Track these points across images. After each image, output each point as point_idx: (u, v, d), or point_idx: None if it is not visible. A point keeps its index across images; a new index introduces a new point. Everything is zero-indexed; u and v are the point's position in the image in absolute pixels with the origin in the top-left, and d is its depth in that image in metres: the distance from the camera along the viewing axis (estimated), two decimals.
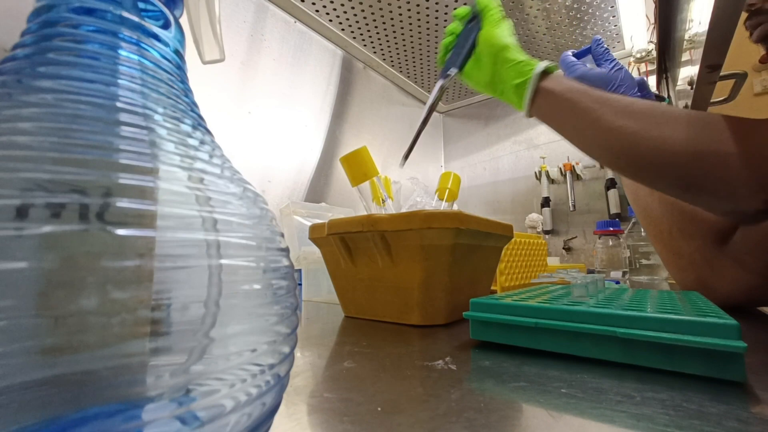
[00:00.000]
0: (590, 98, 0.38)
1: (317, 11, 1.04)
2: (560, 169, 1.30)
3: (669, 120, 0.35)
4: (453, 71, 0.45)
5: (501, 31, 0.44)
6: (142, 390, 0.10)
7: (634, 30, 1.17)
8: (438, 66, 0.47)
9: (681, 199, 0.39)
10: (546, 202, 1.34)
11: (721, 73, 0.45)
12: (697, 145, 0.33)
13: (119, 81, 0.12)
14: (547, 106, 0.41)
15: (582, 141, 0.40)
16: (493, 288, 0.62)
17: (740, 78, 0.55)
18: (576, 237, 1.30)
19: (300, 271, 0.70)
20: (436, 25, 1.08)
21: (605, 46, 0.55)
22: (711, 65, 0.42)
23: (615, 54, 1.32)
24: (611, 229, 1.04)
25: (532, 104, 0.42)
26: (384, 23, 1.09)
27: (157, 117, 0.12)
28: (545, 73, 0.41)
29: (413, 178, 0.63)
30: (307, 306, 0.59)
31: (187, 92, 0.15)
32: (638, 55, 1.20)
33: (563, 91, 0.40)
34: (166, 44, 0.14)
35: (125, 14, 0.13)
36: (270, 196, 0.94)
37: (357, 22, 1.09)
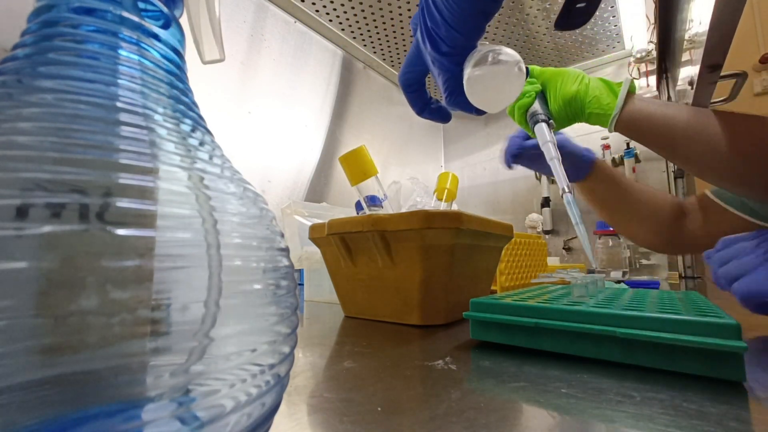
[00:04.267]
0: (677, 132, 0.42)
1: (317, 11, 1.04)
2: None
3: (711, 121, 0.40)
4: (551, 123, 0.44)
5: (564, 87, 0.45)
6: (142, 390, 0.10)
7: (634, 30, 1.17)
8: (521, 125, 0.48)
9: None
10: (546, 202, 1.34)
11: (722, 74, 0.45)
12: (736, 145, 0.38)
13: (119, 81, 0.12)
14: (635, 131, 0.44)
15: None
16: (493, 288, 0.62)
17: (740, 78, 0.55)
18: (576, 237, 1.30)
19: (301, 271, 0.70)
20: None
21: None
22: (711, 65, 0.42)
23: (615, 54, 1.33)
24: (611, 229, 1.04)
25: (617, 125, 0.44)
26: (384, 23, 1.10)
27: (157, 117, 0.12)
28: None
29: (413, 178, 0.64)
30: (308, 306, 0.59)
31: (187, 92, 0.15)
32: (638, 55, 1.20)
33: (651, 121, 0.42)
34: (166, 44, 0.14)
35: (125, 14, 0.13)
36: (270, 196, 0.94)
37: (357, 22, 1.09)
